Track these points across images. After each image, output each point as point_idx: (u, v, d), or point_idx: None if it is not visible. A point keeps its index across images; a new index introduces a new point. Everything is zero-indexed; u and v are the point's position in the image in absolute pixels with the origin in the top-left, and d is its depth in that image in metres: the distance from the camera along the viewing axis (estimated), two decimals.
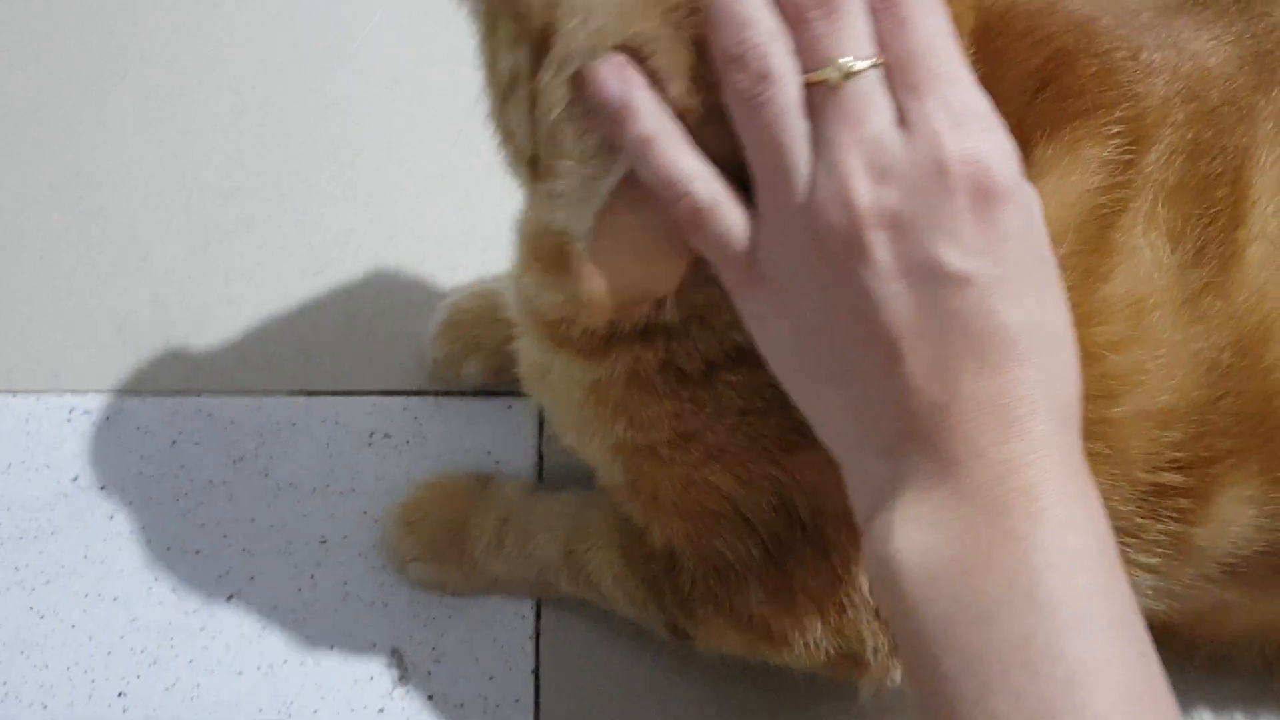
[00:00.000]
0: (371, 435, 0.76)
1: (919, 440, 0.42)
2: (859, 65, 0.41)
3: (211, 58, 0.87)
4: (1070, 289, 0.45)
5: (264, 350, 0.79)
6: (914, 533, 0.41)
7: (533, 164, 0.48)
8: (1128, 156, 0.50)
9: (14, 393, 0.78)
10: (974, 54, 0.49)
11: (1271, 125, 0.51)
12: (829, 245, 0.42)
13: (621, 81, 0.43)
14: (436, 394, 0.78)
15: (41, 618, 0.73)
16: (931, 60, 0.42)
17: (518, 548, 0.69)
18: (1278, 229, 0.50)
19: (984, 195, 0.41)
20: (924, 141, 0.41)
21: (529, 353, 0.61)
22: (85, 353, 0.79)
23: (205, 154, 0.84)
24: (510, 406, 0.77)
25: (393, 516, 0.73)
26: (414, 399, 0.78)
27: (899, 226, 0.41)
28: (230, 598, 0.73)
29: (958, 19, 0.45)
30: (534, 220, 0.56)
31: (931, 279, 0.41)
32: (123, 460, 0.76)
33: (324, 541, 0.74)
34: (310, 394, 0.78)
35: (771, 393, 0.50)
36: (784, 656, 0.59)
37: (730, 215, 0.43)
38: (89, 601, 0.73)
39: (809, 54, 0.42)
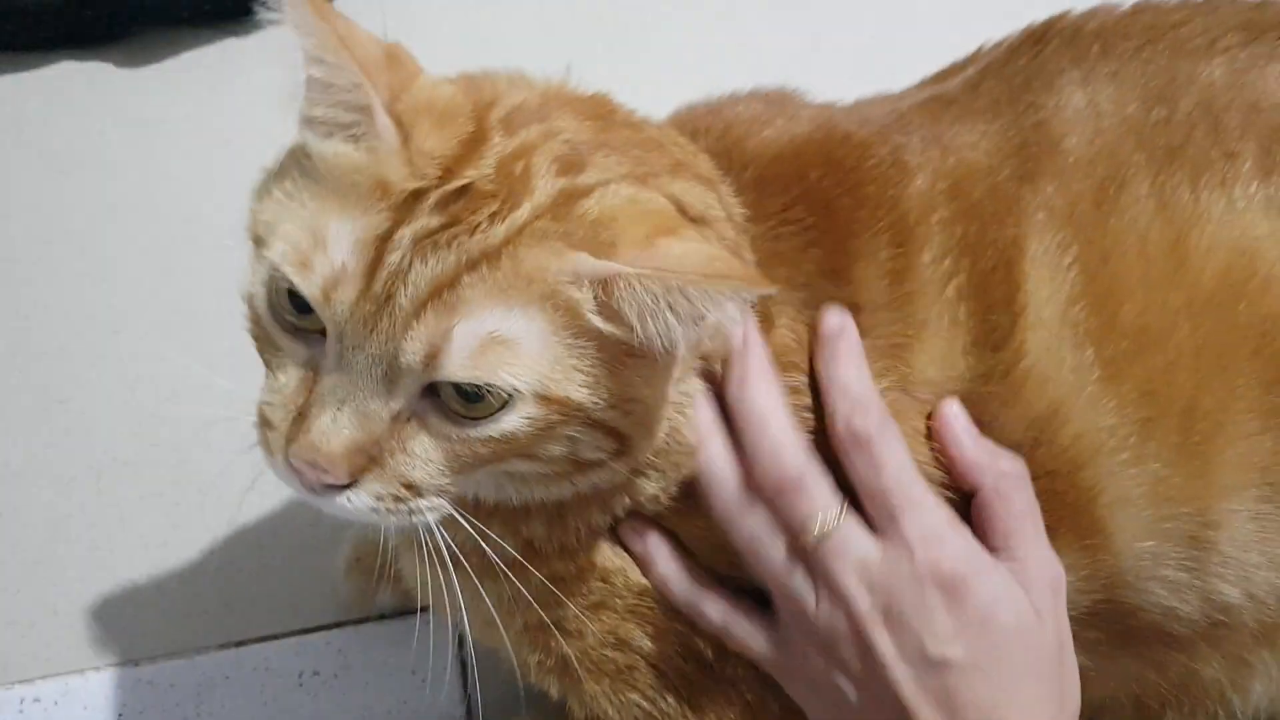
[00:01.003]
0: (300, 675, 0.81)
1: None
2: (829, 523, 0.54)
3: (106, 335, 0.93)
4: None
5: (189, 610, 0.83)
6: None
7: None
8: (903, 263, 0.56)
9: None
10: (756, 207, 0.57)
11: (1043, 215, 0.55)
12: (842, 647, 0.54)
13: (643, 540, 0.58)
14: (356, 623, 0.82)
15: None
16: (900, 491, 0.54)
17: None
18: (1052, 314, 0.54)
19: (952, 592, 0.53)
20: (902, 555, 0.53)
21: (418, 576, 0.65)
22: (27, 642, 0.84)
23: (108, 433, 0.89)
24: (429, 622, 0.81)
25: None
26: (335, 632, 0.82)
27: (893, 623, 0.53)
28: None
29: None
30: None
31: (925, 663, 0.53)
32: None
33: None
34: (238, 645, 0.82)
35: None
36: None
37: (743, 627, 0.58)
38: None
39: (790, 520, 0.54)
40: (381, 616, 0.82)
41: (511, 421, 0.47)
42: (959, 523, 0.55)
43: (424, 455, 0.49)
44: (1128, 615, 0.57)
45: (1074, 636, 0.57)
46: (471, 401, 0.47)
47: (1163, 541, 0.55)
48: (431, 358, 0.45)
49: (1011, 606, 0.53)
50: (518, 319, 0.46)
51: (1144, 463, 0.54)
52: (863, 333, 0.56)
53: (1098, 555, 0.56)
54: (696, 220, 0.51)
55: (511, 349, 0.45)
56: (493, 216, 0.46)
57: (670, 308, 0.45)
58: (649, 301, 0.45)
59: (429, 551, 0.53)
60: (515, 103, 0.51)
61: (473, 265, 0.46)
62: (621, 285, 0.45)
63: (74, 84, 1.06)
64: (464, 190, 0.47)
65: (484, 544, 0.54)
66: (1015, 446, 0.55)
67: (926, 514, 0.54)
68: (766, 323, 0.56)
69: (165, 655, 0.82)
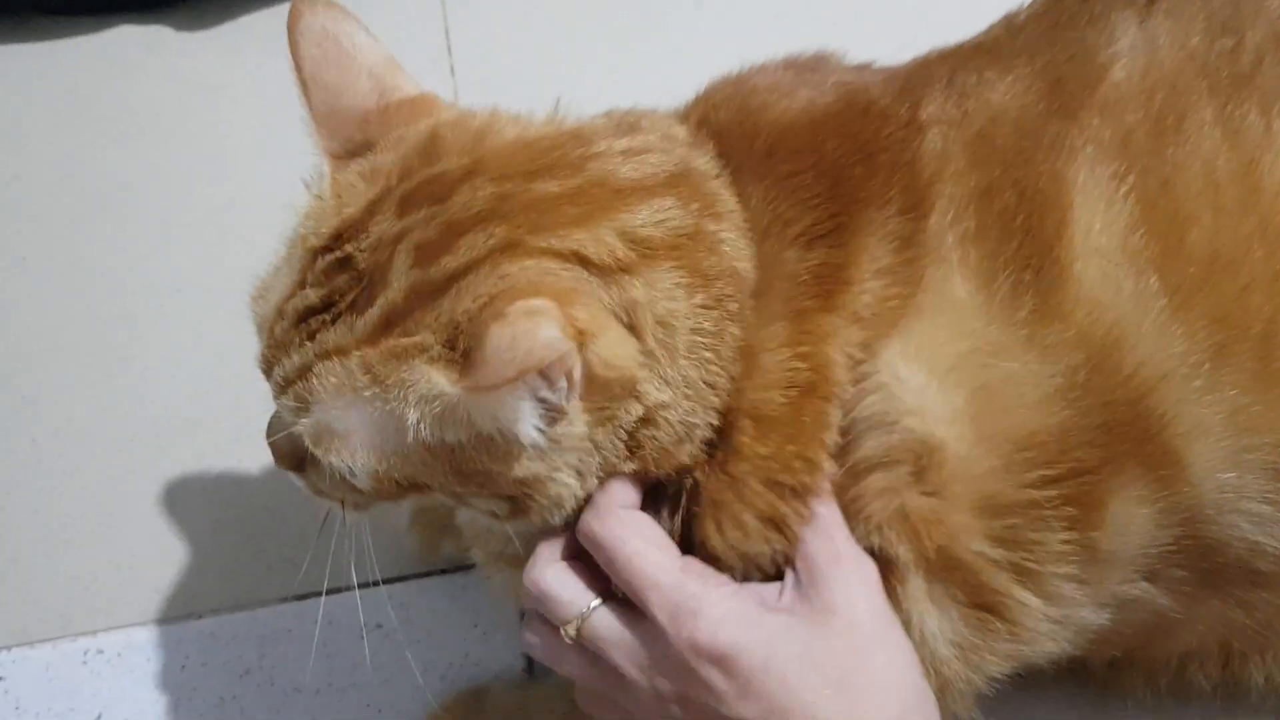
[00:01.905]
0: (364, 628, 0.81)
1: None
2: (578, 618, 0.55)
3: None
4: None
5: (253, 564, 0.83)
6: None
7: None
8: (911, 227, 0.55)
9: (32, 644, 0.83)
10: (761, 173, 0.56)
11: (1091, 148, 0.54)
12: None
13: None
14: (419, 576, 0.82)
15: None
16: (636, 578, 0.54)
17: None
18: (1108, 244, 0.52)
19: (718, 660, 0.52)
20: (659, 639, 0.53)
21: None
22: (91, 595, 0.84)
23: (170, 391, 0.90)
24: (489, 576, 0.81)
25: None
26: (398, 586, 0.81)
27: (683, 700, 0.53)
28: None
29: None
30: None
31: None
32: (138, 692, 0.81)
33: None
34: (300, 598, 0.82)
35: None
36: None
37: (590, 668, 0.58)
38: None
39: (555, 621, 0.56)
40: (444, 570, 0.82)
41: (359, 482, 0.53)
42: (710, 579, 0.55)
43: (318, 475, 0.57)
44: (1211, 551, 0.55)
45: (1157, 575, 0.55)
46: None
47: (1244, 473, 0.53)
48: (291, 422, 0.53)
49: (790, 636, 0.52)
50: (353, 414, 0.50)
51: (1219, 390, 0.52)
52: (858, 304, 0.55)
53: (1174, 487, 0.53)
54: (605, 267, 0.51)
55: (342, 439, 0.51)
56: (351, 307, 0.51)
57: (492, 417, 0.49)
58: (485, 414, 0.49)
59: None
60: (435, 172, 0.54)
61: (325, 358, 0.51)
62: (466, 400, 0.48)
63: (133, 48, 1.07)
64: (345, 263, 0.52)
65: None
66: (1061, 376, 0.53)
67: (669, 592, 0.53)
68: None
69: (227, 608, 0.82)
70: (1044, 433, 0.53)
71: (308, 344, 0.51)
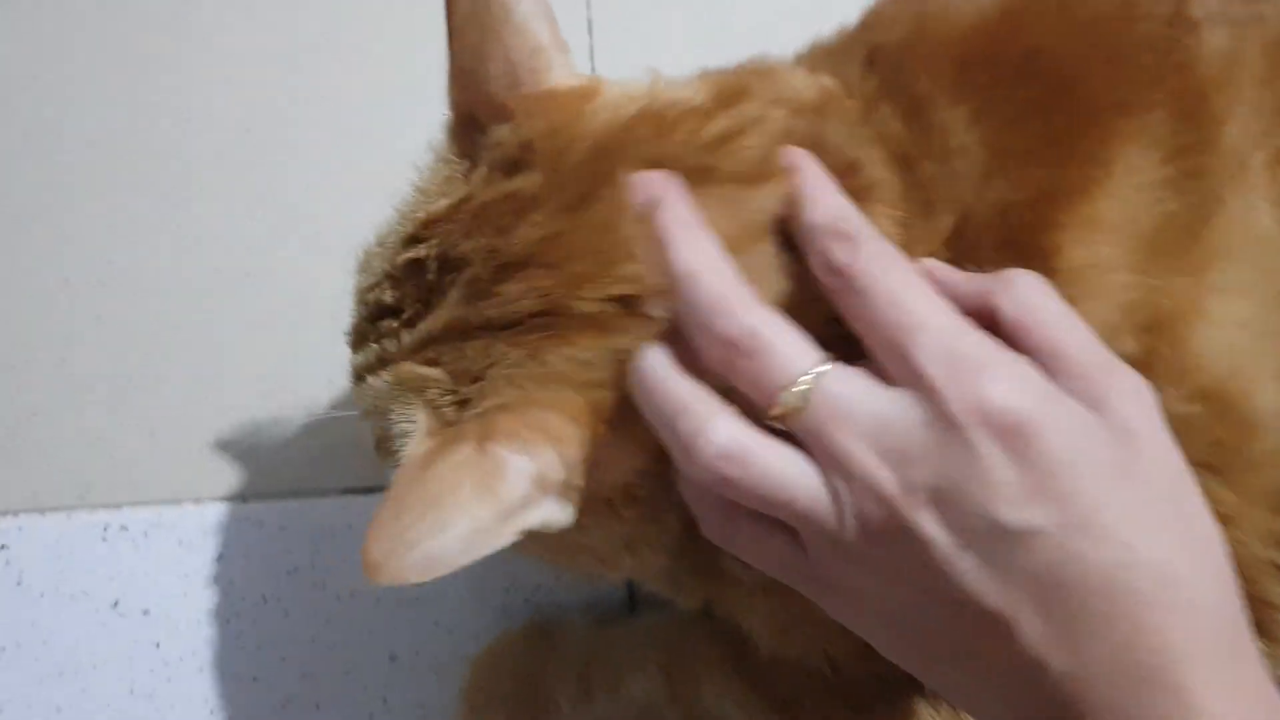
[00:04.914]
0: None
1: (1059, 711, 0.36)
2: (805, 381, 0.38)
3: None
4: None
5: (311, 449, 0.71)
6: None
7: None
8: (1191, 138, 0.44)
9: (42, 511, 0.71)
10: (958, 91, 0.45)
11: None
12: (884, 544, 0.38)
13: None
14: None
15: None
16: (901, 318, 0.38)
17: (609, 696, 0.60)
18: None
19: (1011, 436, 0.36)
20: (924, 403, 0.37)
21: None
22: (116, 463, 0.72)
23: (233, 236, 0.77)
24: None
25: (457, 706, 0.64)
26: None
27: (941, 500, 0.37)
28: None
29: None
30: None
31: (1000, 542, 0.36)
32: (166, 580, 0.69)
33: (394, 659, 0.67)
34: (366, 491, 0.70)
35: None
36: None
37: (775, 552, 0.42)
38: None
39: (758, 394, 0.39)
40: None
41: None
42: (993, 340, 0.39)
43: None
44: None
45: None
46: None
47: None
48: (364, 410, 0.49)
49: (1097, 435, 0.37)
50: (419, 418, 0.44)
51: None
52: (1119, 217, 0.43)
53: None
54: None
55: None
56: (408, 322, 0.45)
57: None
58: None
59: None
60: (510, 189, 0.44)
61: (383, 363, 0.46)
62: None
63: None
64: (417, 268, 0.45)
65: None
66: None
67: (946, 336, 0.38)
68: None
69: (278, 493, 0.71)
70: None
71: (377, 345, 0.46)
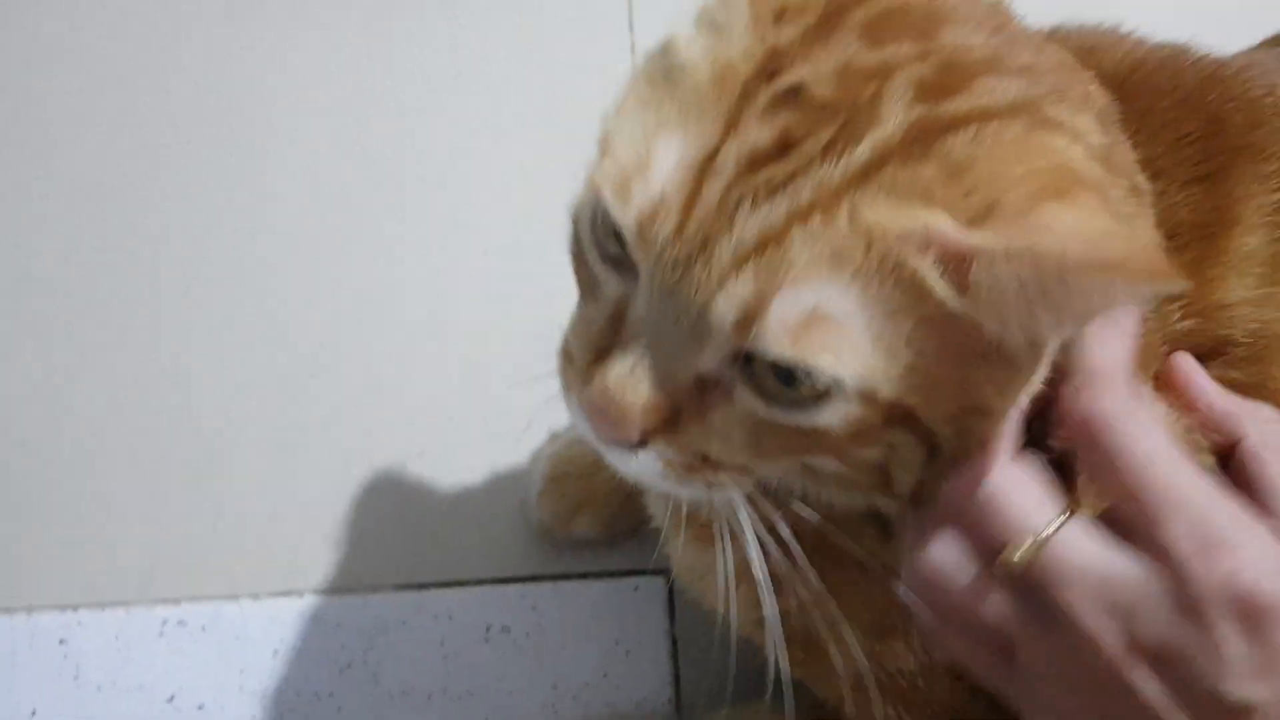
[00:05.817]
0: (488, 629, 0.70)
1: None
2: (1047, 531, 0.40)
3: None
4: None
5: (367, 543, 0.73)
6: None
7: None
8: None
9: (102, 606, 0.73)
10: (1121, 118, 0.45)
11: None
12: (1097, 692, 0.40)
13: None
14: (554, 578, 0.72)
15: None
16: (1152, 487, 0.39)
17: None
18: None
19: (1251, 617, 0.38)
20: (1166, 577, 0.38)
21: (684, 556, 0.55)
22: (175, 558, 0.74)
23: (293, 344, 0.81)
24: (637, 588, 0.71)
25: None
26: (530, 585, 0.72)
27: (1163, 661, 0.39)
28: None
29: None
30: None
31: (1215, 710, 0.38)
32: (222, 675, 0.71)
33: None
34: (420, 587, 0.72)
35: None
36: None
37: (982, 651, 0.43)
38: None
39: (992, 540, 0.41)
40: (583, 574, 0.72)
41: (826, 417, 0.39)
42: (1243, 511, 0.40)
43: (723, 429, 0.42)
44: None
45: None
46: (786, 384, 0.39)
47: None
48: (744, 324, 0.38)
49: None
50: (849, 293, 0.37)
51: None
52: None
53: None
54: (1089, 181, 0.39)
55: (838, 330, 0.37)
56: (828, 148, 0.38)
57: (1045, 299, 0.35)
58: (1016, 289, 0.35)
59: (723, 533, 0.45)
60: (889, 6, 0.41)
61: (803, 216, 0.37)
62: (983, 264, 0.35)
63: None
64: (794, 95, 0.38)
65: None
66: None
67: (1201, 513, 0.39)
68: None
69: (334, 590, 0.72)
70: None
71: (775, 199, 0.38)
